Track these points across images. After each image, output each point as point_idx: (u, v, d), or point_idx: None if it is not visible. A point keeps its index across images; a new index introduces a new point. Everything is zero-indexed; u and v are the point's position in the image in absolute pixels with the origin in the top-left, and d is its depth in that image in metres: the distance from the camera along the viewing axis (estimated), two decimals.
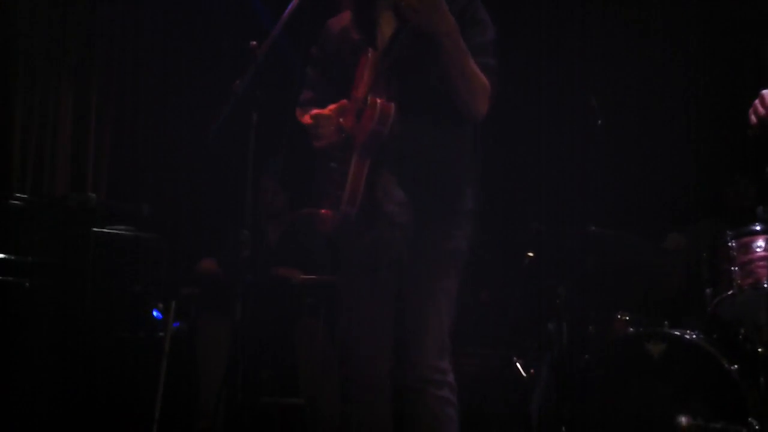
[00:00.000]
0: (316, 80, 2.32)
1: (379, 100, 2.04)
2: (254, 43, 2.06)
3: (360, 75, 2.14)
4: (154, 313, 3.68)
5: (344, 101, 2.15)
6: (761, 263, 2.88)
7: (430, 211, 2.11)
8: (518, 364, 3.44)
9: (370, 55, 2.13)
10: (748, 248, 2.94)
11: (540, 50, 4.47)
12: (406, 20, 1.99)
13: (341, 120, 2.13)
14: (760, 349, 2.88)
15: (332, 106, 2.15)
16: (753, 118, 1.82)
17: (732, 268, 2.95)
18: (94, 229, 3.42)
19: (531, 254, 3.58)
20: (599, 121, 3.44)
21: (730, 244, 2.97)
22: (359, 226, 2.10)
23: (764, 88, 1.99)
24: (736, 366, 2.84)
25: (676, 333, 2.99)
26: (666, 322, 3.14)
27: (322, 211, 2.13)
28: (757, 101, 1.82)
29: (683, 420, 2.84)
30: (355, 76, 2.16)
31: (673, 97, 4.30)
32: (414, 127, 2.08)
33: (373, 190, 2.07)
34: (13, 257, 3.18)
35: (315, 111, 2.16)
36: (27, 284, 3.18)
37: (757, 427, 2.70)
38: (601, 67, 4.42)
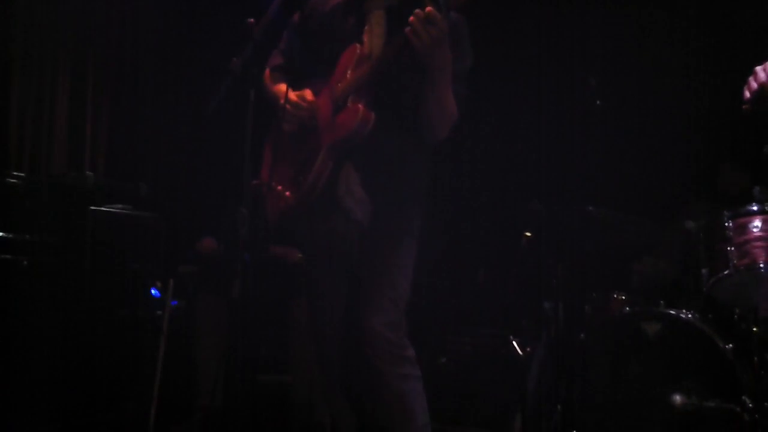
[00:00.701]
0: (290, 48, 2.35)
1: (361, 107, 2.09)
2: (251, 20, 2.06)
3: (343, 67, 2.17)
4: (153, 292, 3.69)
5: (324, 95, 2.19)
6: (757, 244, 2.88)
7: (389, 205, 2.18)
8: (515, 343, 3.46)
9: (358, 51, 2.15)
10: (744, 229, 2.94)
11: (540, 31, 4.45)
12: (410, 44, 2.01)
13: (316, 108, 2.19)
14: (754, 329, 2.90)
15: (310, 96, 2.20)
16: (746, 94, 1.84)
17: (728, 248, 2.95)
18: (92, 208, 3.42)
19: (529, 234, 3.59)
20: (598, 102, 3.43)
21: (726, 224, 2.97)
22: (316, 215, 2.18)
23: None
24: (730, 345, 2.86)
25: (672, 313, 3.01)
26: (662, 302, 3.15)
27: (279, 187, 2.18)
28: (750, 77, 1.84)
29: (678, 398, 2.86)
30: (337, 65, 2.19)
31: (671, 77, 4.29)
32: (382, 133, 2.13)
33: (335, 185, 2.14)
34: (11, 235, 3.18)
35: (293, 96, 2.21)
36: (25, 263, 3.18)
37: (750, 406, 2.72)
38: (600, 48, 4.41)
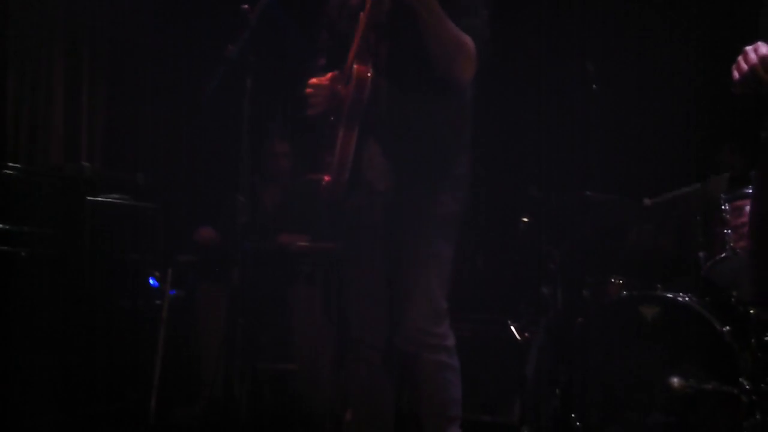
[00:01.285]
0: (326, 45, 2.30)
1: (356, 67, 2.00)
2: (246, 6, 2.05)
3: (354, 41, 2.12)
4: (151, 282, 3.70)
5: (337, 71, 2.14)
6: None
7: (415, 177, 2.10)
8: (513, 328, 3.46)
9: (360, 20, 2.11)
10: (741, 211, 2.95)
11: (538, 16, 4.44)
12: None
13: (336, 87, 2.12)
14: (752, 311, 2.91)
15: (329, 75, 2.15)
16: (735, 74, 1.75)
17: (725, 231, 2.96)
18: (90, 199, 3.42)
19: (527, 219, 3.59)
20: (595, 87, 3.43)
21: (723, 207, 2.99)
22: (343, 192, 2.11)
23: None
24: (728, 328, 2.87)
25: (670, 296, 3.02)
26: (659, 285, 3.16)
27: (326, 177, 2.12)
28: (740, 57, 1.75)
29: (676, 381, 2.87)
30: (352, 42, 2.13)
31: (669, 61, 4.29)
32: (400, 95, 2.06)
33: (358, 158, 2.06)
34: (9, 227, 3.18)
35: (313, 80, 2.16)
36: (23, 254, 3.18)
37: (748, 387, 2.73)
38: (598, 32, 4.40)
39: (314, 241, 3.66)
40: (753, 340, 2.84)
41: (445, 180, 2.13)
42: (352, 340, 2.22)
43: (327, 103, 2.13)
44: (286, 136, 3.83)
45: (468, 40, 2.02)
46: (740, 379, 2.75)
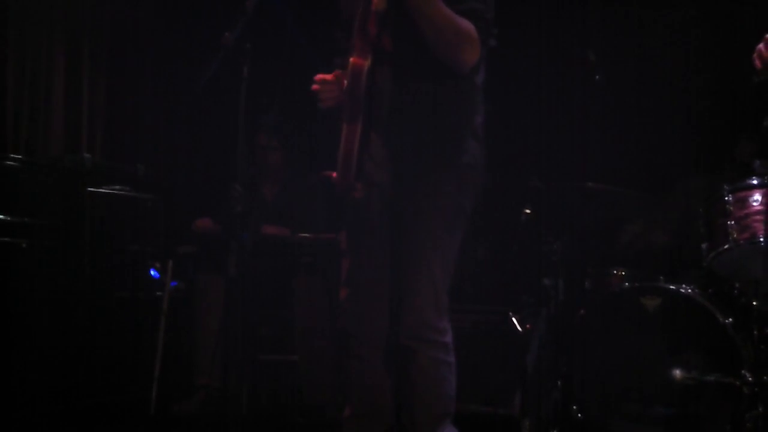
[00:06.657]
0: (342, 44, 2.22)
1: (351, 60, 1.96)
2: None
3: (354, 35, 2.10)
4: (152, 273, 3.70)
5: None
6: (757, 217, 2.87)
7: (416, 167, 2.05)
8: (515, 319, 3.45)
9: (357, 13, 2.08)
10: (744, 203, 2.93)
11: (539, 6, 4.41)
12: None
13: (342, 83, 2.07)
14: (754, 303, 2.89)
15: (337, 71, 2.11)
16: (758, 63, 1.73)
17: (728, 222, 2.93)
18: (90, 190, 3.42)
19: (528, 210, 3.57)
20: (597, 76, 3.41)
21: (726, 198, 2.96)
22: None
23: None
24: (730, 319, 2.85)
25: (672, 287, 3.00)
26: (661, 277, 3.14)
27: (334, 174, 2.07)
28: (761, 45, 1.72)
29: (678, 373, 2.87)
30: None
31: (673, 51, 4.25)
32: (407, 83, 2.02)
33: (362, 153, 2.00)
34: (9, 218, 3.18)
35: (319, 75, 2.11)
36: (24, 245, 3.18)
37: (750, 379, 2.72)
38: (600, 21, 4.36)
39: (307, 232, 3.66)
40: (755, 332, 2.83)
41: (450, 169, 2.07)
42: (346, 336, 2.17)
43: (337, 98, 2.08)
44: (277, 131, 3.82)
45: (466, 23, 1.97)
46: (742, 371, 2.75)
